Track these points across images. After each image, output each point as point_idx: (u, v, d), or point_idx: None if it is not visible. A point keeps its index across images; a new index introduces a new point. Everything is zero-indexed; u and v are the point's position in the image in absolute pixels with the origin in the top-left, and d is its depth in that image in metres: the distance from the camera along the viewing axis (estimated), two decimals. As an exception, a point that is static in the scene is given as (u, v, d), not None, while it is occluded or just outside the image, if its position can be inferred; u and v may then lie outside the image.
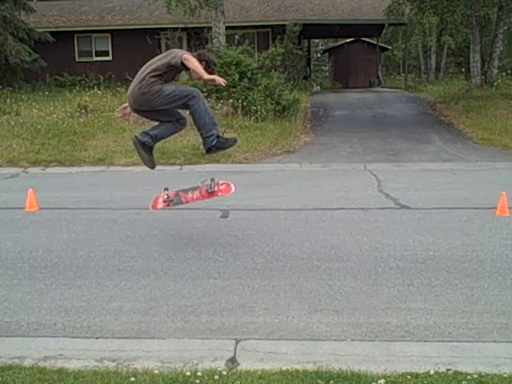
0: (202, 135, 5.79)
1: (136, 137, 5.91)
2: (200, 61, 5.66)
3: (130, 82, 5.97)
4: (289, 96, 15.88)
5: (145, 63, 5.84)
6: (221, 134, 5.82)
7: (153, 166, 6.16)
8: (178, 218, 7.28)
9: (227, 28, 19.56)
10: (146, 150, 6.01)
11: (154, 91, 5.50)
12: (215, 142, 5.74)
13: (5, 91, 19.03)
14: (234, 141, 5.92)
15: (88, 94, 18.62)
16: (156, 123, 6.08)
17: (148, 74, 5.56)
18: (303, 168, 11.38)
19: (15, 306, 4.48)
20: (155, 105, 5.60)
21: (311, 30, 25.59)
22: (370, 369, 3.45)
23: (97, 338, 3.94)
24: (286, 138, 14.02)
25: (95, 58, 24.55)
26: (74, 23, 24.45)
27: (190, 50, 21.91)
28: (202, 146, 12.70)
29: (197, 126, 5.77)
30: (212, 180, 5.89)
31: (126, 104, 6.01)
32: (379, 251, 5.69)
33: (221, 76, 5.94)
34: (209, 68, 5.71)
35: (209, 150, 5.84)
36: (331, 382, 3.27)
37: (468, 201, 7.92)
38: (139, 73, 5.68)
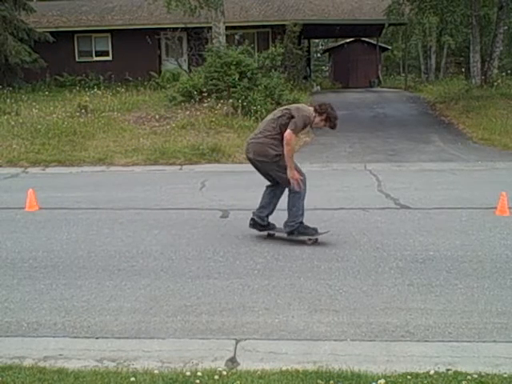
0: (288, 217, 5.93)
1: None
2: (320, 113, 5.73)
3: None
4: (289, 96, 15.88)
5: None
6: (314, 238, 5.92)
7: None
8: (178, 218, 7.28)
9: (227, 28, 19.55)
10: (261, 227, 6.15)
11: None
12: (297, 226, 5.87)
13: (5, 91, 19.04)
14: (315, 232, 5.93)
15: (88, 93, 18.63)
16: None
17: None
18: (303, 168, 11.35)
19: (15, 306, 4.48)
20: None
21: (311, 30, 25.57)
22: (370, 369, 3.45)
23: (97, 338, 3.94)
24: (286, 138, 14.00)
25: (95, 58, 24.54)
26: (73, 23, 24.45)
27: (189, 49, 21.98)
28: (202, 147, 12.76)
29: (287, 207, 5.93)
30: None
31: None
32: (379, 251, 5.69)
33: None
34: (330, 122, 5.78)
35: (289, 234, 5.96)
36: (331, 382, 3.27)
37: (468, 201, 7.92)
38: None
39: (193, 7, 18.32)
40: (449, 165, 11.30)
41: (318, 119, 5.78)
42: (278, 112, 5.87)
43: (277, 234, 6.13)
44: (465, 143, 13.77)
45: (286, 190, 5.97)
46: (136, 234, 6.50)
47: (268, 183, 6.15)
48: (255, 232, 6.47)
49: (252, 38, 23.37)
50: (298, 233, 5.91)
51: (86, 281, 5.01)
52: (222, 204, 7.98)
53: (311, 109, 5.82)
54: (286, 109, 5.81)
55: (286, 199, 5.95)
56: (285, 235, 6.00)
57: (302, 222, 5.89)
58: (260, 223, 6.10)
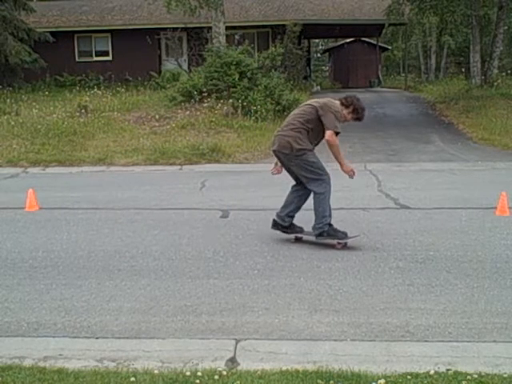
0: (315, 220, 5.86)
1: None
2: (347, 106, 5.70)
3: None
4: (289, 96, 15.87)
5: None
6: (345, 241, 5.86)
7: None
8: (178, 218, 7.28)
9: (227, 28, 19.56)
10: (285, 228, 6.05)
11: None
12: (326, 228, 5.79)
13: (5, 91, 19.05)
14: (345, 236, 5.86)
15: (88, 93, 18.63)
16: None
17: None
18: (303, 168, 11.36)
19: (15, 306, 4.48)
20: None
21: (311, 30, 25.57)
22: (370, 369, 3.45)
23: (97, 338, 3.94)
24: (286, 138, 14.00)
25: (95, 58, 24.55)
26: (74, 23, 24.45)
27: (190, 49, 21.99)
28: (202, 147, 12.75)
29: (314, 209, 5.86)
30: None
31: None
32: (379, 251, 5.69)
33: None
34: (357, 114, 5.76)
35: (318, 236, 5.87)
36: (331, 382, 3.27)
37: (468, 201, 7.92)
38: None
39: (193, 7, 18.33)
40: (449, 165, 11.30)
41: (345, 112, 5.73)
42: (304, 106, 5.80)
43: (304, 238, 5.99)
44: (465, 143, 13.77)
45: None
46: (136, 234, 6.50)
47: (293, 184, 6.07)
48: (255, 232, 6.47)
49: (252, 37, 23.37)
50: (328, 235, 5.79)
51: (86, 281, 5.00)
52: (221, 204, 7.98)
53: (337, 102, 5.76)
54: (312, 105, 5.73)
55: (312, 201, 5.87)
56: (313, 238, 5.88)
57: (330, 224, 5.80)
58: (281, 223, 5.96)
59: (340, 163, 5.67)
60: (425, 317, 4.18)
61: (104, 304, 4.50)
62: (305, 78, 24.95)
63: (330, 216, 5.80)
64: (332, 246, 5.81)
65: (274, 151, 5.95)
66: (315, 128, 5.69)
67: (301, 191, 5.96)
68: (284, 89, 16.10)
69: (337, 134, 5.60)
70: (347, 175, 5.78)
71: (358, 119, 5.85)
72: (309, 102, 5.95)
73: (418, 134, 15.08)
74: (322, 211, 5.75)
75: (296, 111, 5.89)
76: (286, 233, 6.04)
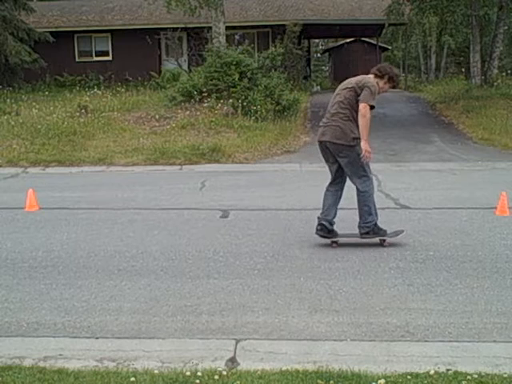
0: (359, 219, 5.83)
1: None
2: (381, 77, 5.65)
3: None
4: (289, 96, 15.88)
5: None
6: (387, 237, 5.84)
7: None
8: (178, 218, 7.28)
9: (227, 28, 19.55)
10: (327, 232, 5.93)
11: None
12: (373, 227, 5.77)
13: (5, 91, 19.05)
14: (385, 233, 5.84)
15: (88, 93, 18.63)
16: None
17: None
18: (303, 168, 11.38)
19: (15, 306, 4.48)
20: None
21: (311, 30, 25.56)
22: (370, 369, 3.45)
23: (97, 338, 3.94)
24: (286, 138, 14.03)
25: (95, 58, 24.53)
26: (74, 23, 24.44)
27: (190, 49, 21.98)
28: (202, 147, 12.75)
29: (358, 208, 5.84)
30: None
31: None
32: (379, 251, 5.69)
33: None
34: (393, 82, 5.70)
35: (364, 234, 5.83)
36: (331, 382, 3.27)
37: (468, 201, 7.92)
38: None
39: (193, 7, 18.32)
40: (449, 165, 11.30)
41: (381, 83, 5.67)
42: (343, 92, 5.67)
43: (341, 240, 5.89)
44: (465, 143, 13.77)
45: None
46: (136, 233, 6.50)
47: (329, 183, 5.98)
48: (255, 232, 6.47)
49: (252, 37, 23.37)
50: (374, 233, 5.78)
51: (86, 281, 5.00)
52: (221, 204, 7.98)
53: (371, 76, 5.70)
54: (348, 87, 5.63)
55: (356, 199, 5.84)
56: (356, 239, 5.85)
57: (375, 223, 5.78)
58: (328, 228, 5.85)
59: (363, 137, 5.48)
60: (425, 317, 4.18)
61: (104, 304, 4.50)
62: (305, 78, 24.95)
63: (376, 214, 5.78)
64: (334, 245, 5.82)
65: (322, 142, 5.78)
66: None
67: (339, 191, 5.93)
68: (284, 89, 16.10)
69: (371, 108, 5.51)
70: (362, 152, 5.55)
71: (394, 87, 5.85)
72: (344, 85, 5.75)
73: (417, 134, 15.08)
74: (368, 209, 5.73)
75: (338, 98, 5.70)
76: (327, 237, 5.89)
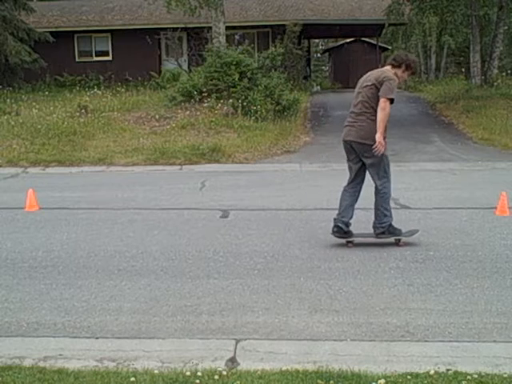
0: (375, 219, 5.83)
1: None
2: (399, 66, 5.63)
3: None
4: (289, 96, 15.88)
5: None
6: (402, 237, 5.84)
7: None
8: (178, 218, 7.28)
9: (227, 28, 19.55)
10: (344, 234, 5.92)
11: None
12: (388, 227, 5.77)
13: (5, 91, 19.04)
14: (400, 232, 5.84)
15: (88, 93, 18.63)
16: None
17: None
18: (303, 168, 11.38)
19: (15, 306, 4.48)
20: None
21: (311, 30, 25.56)
22: (370, 369, 3.45)
23: (97, 338, 3.94)
24: (286, 138, 14.03)
25: (95, 58, 24.53)
26: (74, 23, 24.44)
27: (190, 49, 21.97)
28: (202, 147, 12.75)
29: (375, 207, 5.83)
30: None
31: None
32: (379, 251, 5.69)
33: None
34: (411, 69, 5.68)
35: (379, 234, 5.83)
36: (331, 382, 3.27)
37: (468, 201, 7.92)
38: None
39: (193, 7, 18.32)
40: (449, 165, 11.30)
41: (399, 73, 5.65)
42: (364, 89, 5.62)
43: (357, 240, 5.89)
44: (465, 143, 13.77)
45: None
46: (136, 233, 6.50)
47: (348, 183, 5.94)
48: (255, 232, 6.47)
49: (252, 37, 23.37)
50: (389, 233, 5.79)
51: (86, 281, 5.00)
52: (221, 204, 7.98)
53: (388, 68, 5.69)
54: (369, 85, 5.59)
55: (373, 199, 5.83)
56: (371, 239, 5.85)
57: (390, 225, 5.78)
58: (344, 229, 5.84)
59: (378, 129, 5.44)
60: (425, 317, 4.18)
61: (104, 304, 4.50)
62: (305, 78, 24.95)
63: (391, 215, 5.78)
64: (350, 245, 5.84)
65: (347, 141, 5.75)
66: None
67: (357, 192, 5.91)
68: (284, 89, 16.10)
69: (391, 101, 5.49)
70: (376, 143, 5.49)
71: (414, 73, 5.86)
72: (364, 81, 5.70)
73: (418, 133, 15.07)
74: (384, 210, 5.74)
75: (360, 98, 5.65)
76: (344, 238, 5.88)
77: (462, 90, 20.67)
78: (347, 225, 5.84)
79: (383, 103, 5.44)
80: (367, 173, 5.83)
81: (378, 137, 5.43)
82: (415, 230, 6.00)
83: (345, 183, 6.00)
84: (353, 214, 5.88)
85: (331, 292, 4.67)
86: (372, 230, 5.89)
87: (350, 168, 5.93)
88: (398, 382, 3.26)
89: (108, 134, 13.91)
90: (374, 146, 5.46)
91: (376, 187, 5.76)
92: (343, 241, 5.93)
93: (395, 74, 5.64)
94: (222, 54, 16.32)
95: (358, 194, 5.93)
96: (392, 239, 5.84)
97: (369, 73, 5.85)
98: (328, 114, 18.55)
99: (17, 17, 20.57)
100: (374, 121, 5.51)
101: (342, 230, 5.81)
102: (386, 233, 5.78)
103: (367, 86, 5.63)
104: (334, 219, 5.87)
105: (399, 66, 5.66)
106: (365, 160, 5.71)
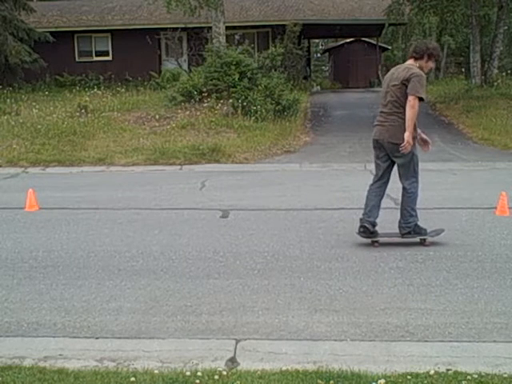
0: (401, 218, 5.82)
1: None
2: (421, 58, 5.59)
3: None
4: (289, 96, 15.87)
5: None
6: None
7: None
8: (178, 218, 7.28)
9: (227, 28, 19.55)
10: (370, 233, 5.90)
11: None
12: (413, 228, 5.76)
13: (5, 91, 19.04)
14: (425, 232, 5.84)
15: (88, 93, 18.63)
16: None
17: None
18: (303, 168, 11.38)
19: (15, 306, 4.48)
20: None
21: (311, 30, 25.55)
22: (370, 369, 3.45)
23: (97, 338, 3.94)
24: (286, 138, 14.02)
25: (95, 58, 24.54)
26: (74, 23, 24.44)
27: (190, 49, 21.97)
28: (202, 147, 12.74)
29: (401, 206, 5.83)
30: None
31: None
32: (379, 251, 5.69)
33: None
34: (433, 57, 5.64)
35: (405, 234, 5.83)
36: (331, 382, 3.27)
37: (468, 201, 7.92)
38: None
39: (193, 7, 18.31)
40: (449, 165, 11.30)
41: (423, 64, 5.62)
42: (392, 90, 5.59)
43: (382, 240, 5.88)
44: (465, 143, 13.77)
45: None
46: (136, 234, 6.50)
47: (374, 181, 5.91)
48: (255, 232, 6.47)
49: (252, 38, 23.37)
50: (415, 233, 5.79)
51: (86, 281, 5.01)
52: (221, 204, 7.98)
53: (411, 62, 5.65)
54: (397, 84, 5.54)
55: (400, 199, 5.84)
56: (396, 238, 5.84)
57: (416, 223, 5.79)
58: (370, 229, 5.82)
59: (407, 128, 5.43)
60: (425, 317, 4.18)
61: (104, 304, 4.51)
62: (305, 78, 24.95)
63: (417, 216, 5.78)
64: (376, 244, 5.84)
65: (378, 141, 5.74)
66: None
67: (382, 191, 5.90)
68: (284, 89, 16.10)
69: (420, 100, 5.46)
70: (403, 142, 5.47)
71: (437, 60, 5.82)
72: (391, 79, 5.65)
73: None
74: (411, 210, 5.73)
75: (389, 98, 5.62)
76: (369, 237, 5.86)
77: (462, 90, 20.67)
78: (373, 225, 5.83)
79: (412, 101, 5.41)
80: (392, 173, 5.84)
81: (407, 135, 5.43)
82: (440, 229, 5.99)
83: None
84: (378, 214, 5.87)
85: (331, 292, 4.67)
86: (397, 230, 5.87)
87: (377, 166, 5.91)
88: (398, 382, 3.26)
89: (108, 134, 13.91)
90: (401, 145, 5.45)
91: (404, 187, 5.76)
92: (343, 241, 5.93)
93: (420, 66, 5.61)
94: (222, 53, 16.33)
95: (383, 193, 5.93)
96: (417, 239, 5.83)
97: (393, 70, 5.83)
98: (328, 114, 18.55)
99: (17, 17, 20.58)
100: (405, 120, 5.48)
101: (368, 230, 5.80)
102: (411, 233, 5.79)
103: (395, 85, 5.59)
104: (360, 219, 5.87)
105: (421, 58, 5.62)
106: (395, 159, 5.71)
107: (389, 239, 5.92)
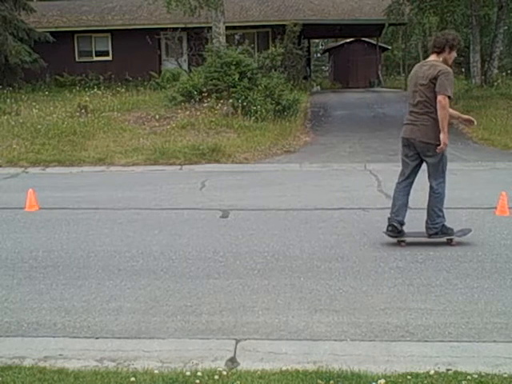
0: (428, 219, 5.81)
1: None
2: (443, 51, 5.57)
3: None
4: (289, 96, 15.87)
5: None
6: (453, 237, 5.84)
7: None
8: (178, 218, 7.28)
9: (227, 28, 19.55)
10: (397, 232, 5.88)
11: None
12: (440, 228, 5.76)
13: (5, 91, 19.03)
14: (452, 232, 5.83)
15: (88, 93, 18.62)
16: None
17: None
18: (303, 168, 11.38)
19: (15, 306, 4.48)
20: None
21: (311, 30, 25.56)
22: (370, 369, 3.45)
23: (97, 338, 3.94)
24: (286, 138, 14.02)
25: (95, 58, 24.55)
26: (74, 23, 24.45)
27: (190, 49, 21.98)
28: (202, 147, 12.74)
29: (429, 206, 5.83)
30: None
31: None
32: (379, 251, 5.69)
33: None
34: (454, 48, 5.60)
35: (432, 235, 5.82)
36: (331, 382, 3.27)
37: (468, 201, 7.92)
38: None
39: (193, 7, 18.32)
40: (449, 165, 11.27)
41: (446, 56, 5.59)
42: (421, 89, 5.56)
43: (408, 240, 5.87)
44: (465, 143, 13.76)
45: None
46: (136, 234, 6.50)
47: (401, 180, 5.89)
48: (255, 232, 6.47)
49: (252, 38, 23.37)
50: (442, 233, 5.78)
51: (86, 281, 5.01)
52: (221, 204, 7.98)
53: (434, 57, 5.63)
54: (424, 83, 5.52)
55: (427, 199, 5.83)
56: (423, 238, 5.84)
57: (443, 224, 5.78)
58: (398, 228, 5.81)
59: (442, 130, 5.41)
60: (425, 317, 4.18)
61: (104, 304, 4.51)
62: (305, 78, 24.95)
63: (443, 216, 5.77)
64: (403, 244, 5.83)
65: (408, 139, 5.72)
66: None
67: (409, 190, 5.89)
68: (284, 89, 16.10)
69: (449, 98, 5.43)
70: (441, 143, 5.48)
71: (459, 48, 5.78)
72: (418, 78, 5.63)
73: (418, 134, 15.04)
74: (438, 210, 5.73)
75: (419, 98, 5.60)
76: (396, 237, 5.85)
77: (462, 89, 20.66)
78: (402, 224, 5.83)
79: (443, 101, 5.38)
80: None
81: (444, 138, 5.43)
82: (468, 229, 5.98)
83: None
84: (406, 213, 5.86)
85: (331, 292, 4.67)
86: (424, 230, 5.86)
87: (405, 164, 5.88)
88: (398, 382, 3.26)
89: (108, 134, 13.91)
90: (439, 147, 5.46)
91: (431, 187, 5.75)
92: (343, 241, 5.93)
93: (444, 60, 5.59)
94: (222, 53, 16.32)
95: (409, 191, 5.92)
96: (444, 239, 5.83)
97: (416, 67, 5.82)
98: (328, 114, 18.55)
99: (17, 17, 20.58)
100: (437, 119, 5.47)
101: (396, 230, 5.80)
102: (439, 233, 5.79)
103: (423, 84, 5.56)
104: (389, 218, 5.86)
105: (443, 51, 5.60)
106: (426, 159, 5.70)
107: (415, 239, 5.92)
